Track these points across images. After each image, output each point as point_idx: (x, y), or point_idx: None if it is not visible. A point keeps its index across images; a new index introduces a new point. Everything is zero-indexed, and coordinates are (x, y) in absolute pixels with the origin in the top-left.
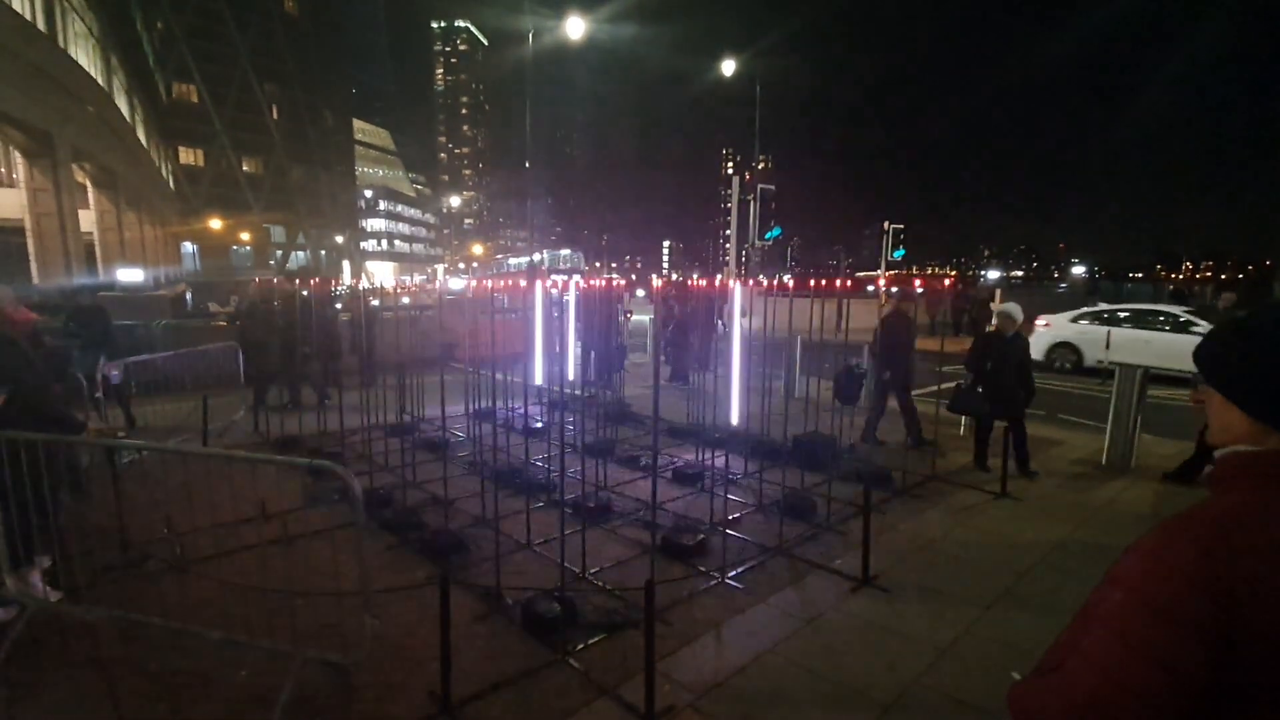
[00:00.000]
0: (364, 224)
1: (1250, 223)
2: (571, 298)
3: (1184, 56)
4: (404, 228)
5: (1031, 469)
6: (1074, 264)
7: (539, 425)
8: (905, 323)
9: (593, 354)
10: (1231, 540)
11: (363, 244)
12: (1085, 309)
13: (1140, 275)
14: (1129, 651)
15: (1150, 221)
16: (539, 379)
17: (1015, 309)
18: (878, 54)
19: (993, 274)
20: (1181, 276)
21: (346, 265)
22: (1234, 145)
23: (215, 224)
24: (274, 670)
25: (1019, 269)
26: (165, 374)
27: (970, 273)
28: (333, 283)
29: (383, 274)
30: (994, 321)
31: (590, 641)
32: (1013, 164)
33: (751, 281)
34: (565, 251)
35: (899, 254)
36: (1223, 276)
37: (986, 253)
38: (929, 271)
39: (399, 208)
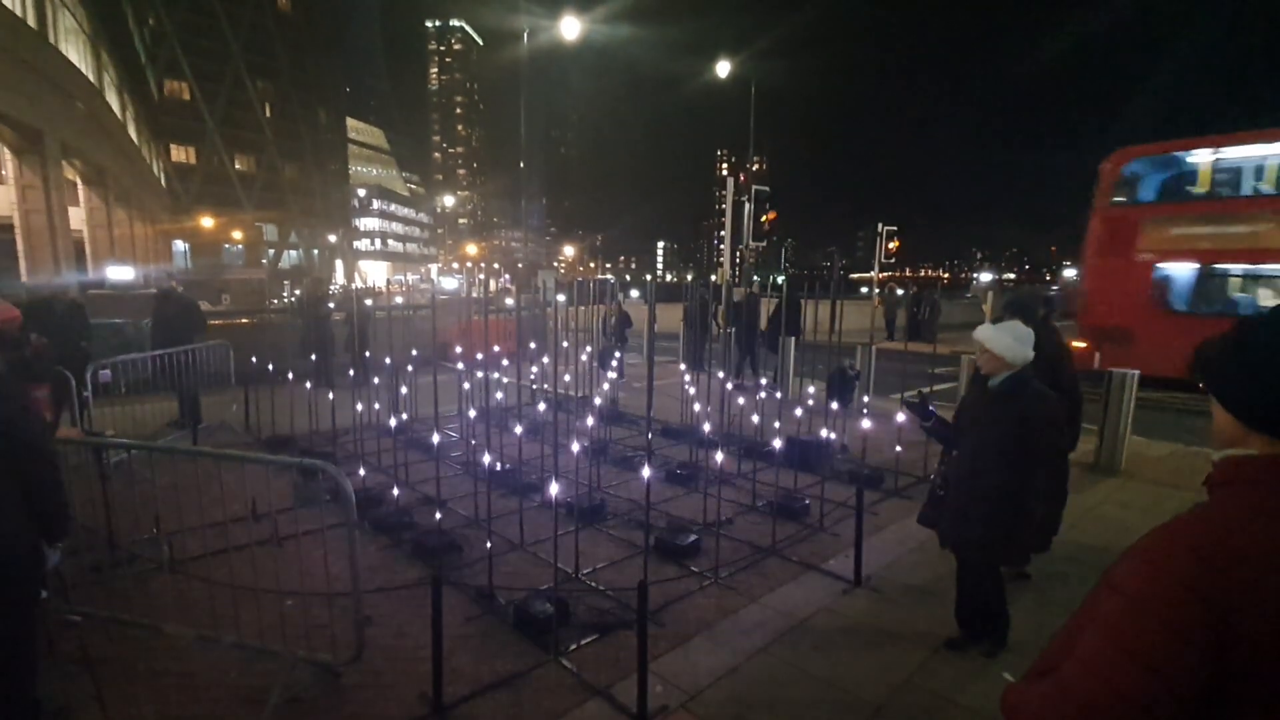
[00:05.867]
0: (357, 223)
1: None
2: None
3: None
4: (398, 227)
5: (996, 644)
6: (1065, 266)
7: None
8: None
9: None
10: (1228, 547)
11: (356, 243)
12: None
13: None
14: (1124, 657)
15: None
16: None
17: (997, 336)
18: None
19: (985, 276)
20: None
21: (340, 264)
22: None
23: (207, 222)
24: (264, 671)
25: (1011, 272)
26: (152, 373)
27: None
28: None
29: (376, 273)
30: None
31: (583, 642)
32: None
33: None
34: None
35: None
36: None
37: (979, 256)
38: (922, 273)
39: (393, 207)
